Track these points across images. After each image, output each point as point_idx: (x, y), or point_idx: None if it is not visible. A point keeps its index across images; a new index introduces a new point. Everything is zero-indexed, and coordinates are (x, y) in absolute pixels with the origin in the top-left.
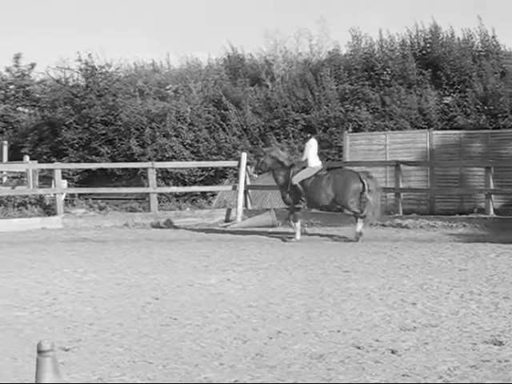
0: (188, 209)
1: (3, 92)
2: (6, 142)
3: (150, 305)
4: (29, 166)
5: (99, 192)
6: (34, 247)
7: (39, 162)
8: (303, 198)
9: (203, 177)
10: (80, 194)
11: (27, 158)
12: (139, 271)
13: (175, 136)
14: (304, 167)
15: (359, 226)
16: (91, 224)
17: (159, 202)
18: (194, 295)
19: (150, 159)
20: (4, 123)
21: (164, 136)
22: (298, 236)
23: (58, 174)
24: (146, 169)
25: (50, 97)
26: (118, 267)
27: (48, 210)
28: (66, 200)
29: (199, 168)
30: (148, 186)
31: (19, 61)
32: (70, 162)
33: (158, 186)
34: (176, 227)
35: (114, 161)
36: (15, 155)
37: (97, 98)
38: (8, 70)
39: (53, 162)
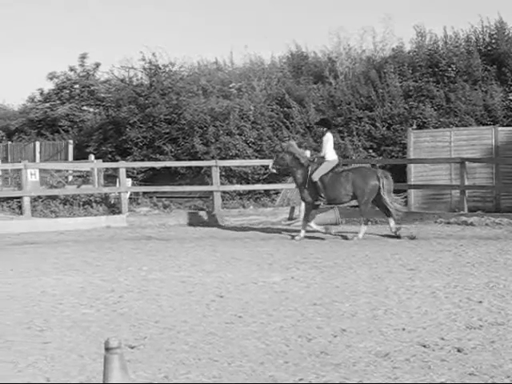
0: (251, 207)
1: (68, 91)
2: (71, 141)
3: (215, 303)
4: (94, 164)
5: (163, 190)
6: (99, 245)
7: (104, 161)
8: (322, 195)
9: (266, 175)
10: (144, 193)
11: (92, 156)
12: (203, 269)
13: (238, 134)
14: (321, 163)
15: (391, 224)
16: (155, 222)
17: (223, 200)
18: (258, 293)
19: (213, 157)
20: (69, 122)
21: (227, 134)
22: (302, 234)
23: (122, 173)
24: (209, 167)
25: (114, 96)
26: (182, 265)
27: (113, 208)
28: (130, 198)
29: (262, 166)
30: (212, 184)
31: (85, 60)
32: (135, 160)
33: (222, 184)
34: (238, 225)
35: (178, 159)
36: (80, 154)
37: (160, 97)
38: (72, 69)
39: (117, 160)
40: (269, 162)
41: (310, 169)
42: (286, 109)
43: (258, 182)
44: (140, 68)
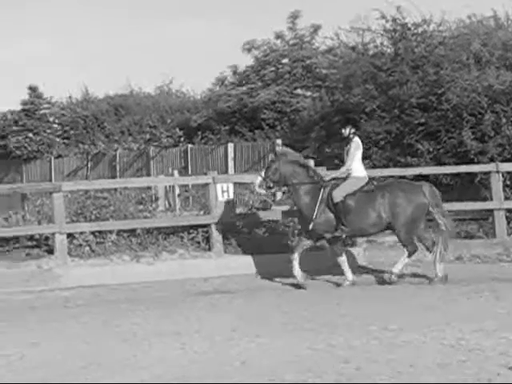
0: None
1: (273, 69)
2: (279, 142)
3: (500, 377)
4: (365, 179)
5: None
6: (321, 292)
7: (328, 169)
8: (345, 224)
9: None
10: None
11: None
12: (481, 327)
13: None
14: (344, 178)
15: (437, 266)
16: (390, 258)
17: (509, 223)
18: None
19: (492, 159)
20: (276, 113)
21: None
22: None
23: None
24: (487, 173)
25: (341, 73)
26: (447, 321)
27: None
28: None
29: None
30: (491, 198)
31: (296, 22)
32: (374, 166)
33: (507, 198)
34: None
35: (439, 163)
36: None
37: (411, 72)
38: (279, 36)
39: None
40: (253, 179)
41: (323, 186)
42: None
43: None
44: (379, 30)
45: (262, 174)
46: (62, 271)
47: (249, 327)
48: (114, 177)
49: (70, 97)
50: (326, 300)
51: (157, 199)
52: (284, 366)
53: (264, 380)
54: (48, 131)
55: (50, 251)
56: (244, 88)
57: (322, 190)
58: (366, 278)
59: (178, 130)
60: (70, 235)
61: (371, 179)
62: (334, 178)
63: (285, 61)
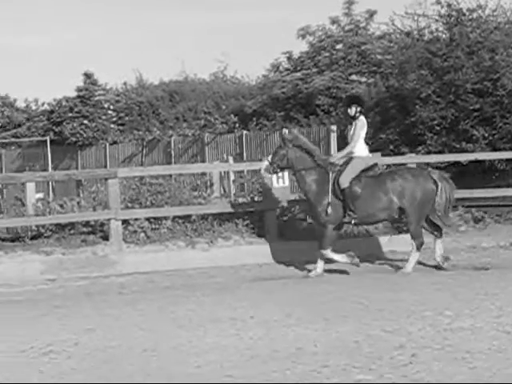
0: None
1: (328, 54)
2: (334, 128)
3: None
4: (369, 159)
5: (473, 196)
6: (377, 278)
7: (384, 155)
8: (353, 210)
9: None
10: None
11: (366, 148)
12: None
13: None
14: (348, 162)
15: (437, 249)
16: (462, 243)
17: None
18: None
19: None
20: (331, 99)
21: None
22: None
23: None
24: None
25: (396, 58)
26: (503, 307)
27: (399, 223)
28: None
29: None
30: None
31: (352, 8)
32: (429, 152)
33: None
34: None
35: (494, 149)
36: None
37: (466, 57)
38: (335, 21)
39: (403, 153)
40: (260, 164)
41: (331, 171)
42: None
43: None
44: (435, 15)
45: (269, 158)
46: (117, 257)
47: (303, 313)
48: (168, 163)
49: (124, 83)
50: (379, 286)
51: (211, 185)
52: (339, 351)
53: (317, 366)
54: (103, 118)
55: (105, 237)
56: (299, 74)
57: (329, 174)
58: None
59: (232, 116)
60: (125, 221)
61: (375, 164)
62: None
63: (339, 46)
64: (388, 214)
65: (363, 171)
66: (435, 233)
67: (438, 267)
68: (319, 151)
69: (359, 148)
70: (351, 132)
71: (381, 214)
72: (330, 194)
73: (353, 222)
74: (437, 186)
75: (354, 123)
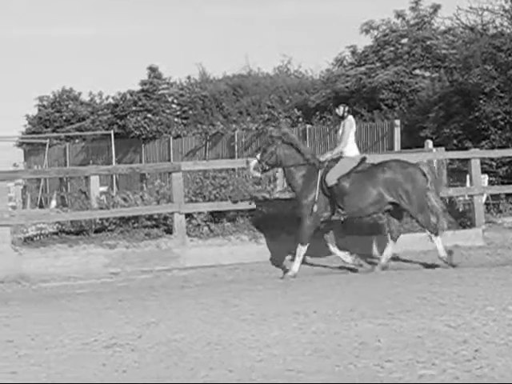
0: None
1: (392, 49)
2: (397, 122)
3: None
4: (432, 154)
5: None
6: (444, 274)
7: (447, 150)
8: (342, 206)
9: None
10: (508, 195)
11: (430, 143)
12: None
13: None
14: (337, 160)
15: (440, 247)
16: (508, 239)
17: None
18: None
19: None
20: (395, 94)
21: None
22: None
23: (475, 166)
24: None
25: (460, 53)
26: None
27: (463, 218)
28: (487, 204)
29: None
30: None
31: (419, 3)
32: (493, 147)
33: None
34: None
35: None
36: (411, 140)
37: None
38: (400, 15)
39: (467, 148)
40: (247, 162)
41: (319, 168)
42: None
43: None
44: (499, 10)
45: (258, 156)
46: (180, 251)
47: (366, 308)
48: (232, 157)
49: (188, 77)
50: (440, 281)
51: (275, 179)
52: (402, 346)
53: (380, 360)
54: (167, 111)
55: (169, 231)
56: (362, 68)
57: (318, 172)
58: (486, 259)
59: (296, 110)
60: (188, 215)
61: (363, 159)
62: (328, 160)
63: (404, 41)
64: (379, 207)
65: (353, 169)
66: (393, 234)
67: (432, 265)
68: (308, 148)
69: (349, 148)
70: (340, 132)
71: (371, 207)
72: (317, 190)
73: (342, 218)
74: (427, 179)
75: (342, 123)
